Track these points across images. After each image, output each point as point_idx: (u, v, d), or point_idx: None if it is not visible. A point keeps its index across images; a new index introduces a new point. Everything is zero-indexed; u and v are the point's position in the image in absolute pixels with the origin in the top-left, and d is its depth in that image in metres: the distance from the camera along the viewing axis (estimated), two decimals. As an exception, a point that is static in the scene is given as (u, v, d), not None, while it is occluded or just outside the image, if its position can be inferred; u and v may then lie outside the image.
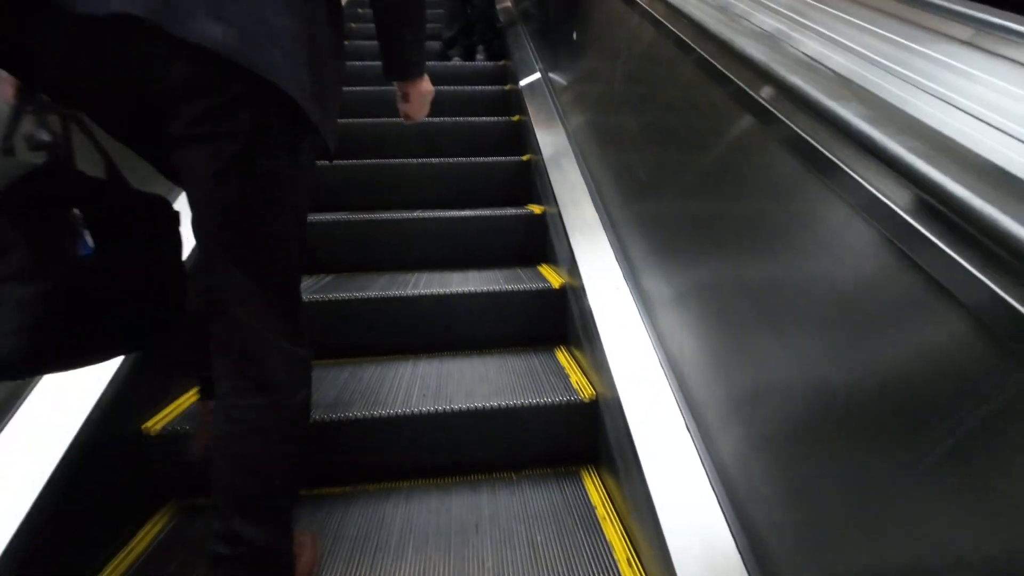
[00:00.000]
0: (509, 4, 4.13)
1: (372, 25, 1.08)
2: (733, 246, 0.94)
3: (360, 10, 4.16)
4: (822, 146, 0.70)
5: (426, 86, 1.14)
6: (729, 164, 0.97)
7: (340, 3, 0.89)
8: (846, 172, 0.66)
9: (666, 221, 1.25)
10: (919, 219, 0.56)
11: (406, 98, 1.16)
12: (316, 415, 1.29)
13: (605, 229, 1.60)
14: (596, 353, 1.32)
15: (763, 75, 0.83)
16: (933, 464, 0.54)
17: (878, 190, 0.62)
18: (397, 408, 1.33)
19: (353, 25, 3.86)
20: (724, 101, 0.98)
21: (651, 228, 1.34)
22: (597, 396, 1.34)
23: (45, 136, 0.82)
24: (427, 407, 1.33)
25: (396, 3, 0.98)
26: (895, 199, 0.59)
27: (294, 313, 0.89)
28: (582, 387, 1.41)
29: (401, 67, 1.09)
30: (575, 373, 1.50)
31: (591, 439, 1.36)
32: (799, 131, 0.75)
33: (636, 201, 1.46)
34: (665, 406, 1.08)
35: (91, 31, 0.71)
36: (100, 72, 0.75)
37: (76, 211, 0.82)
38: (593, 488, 1.31)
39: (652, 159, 1.36)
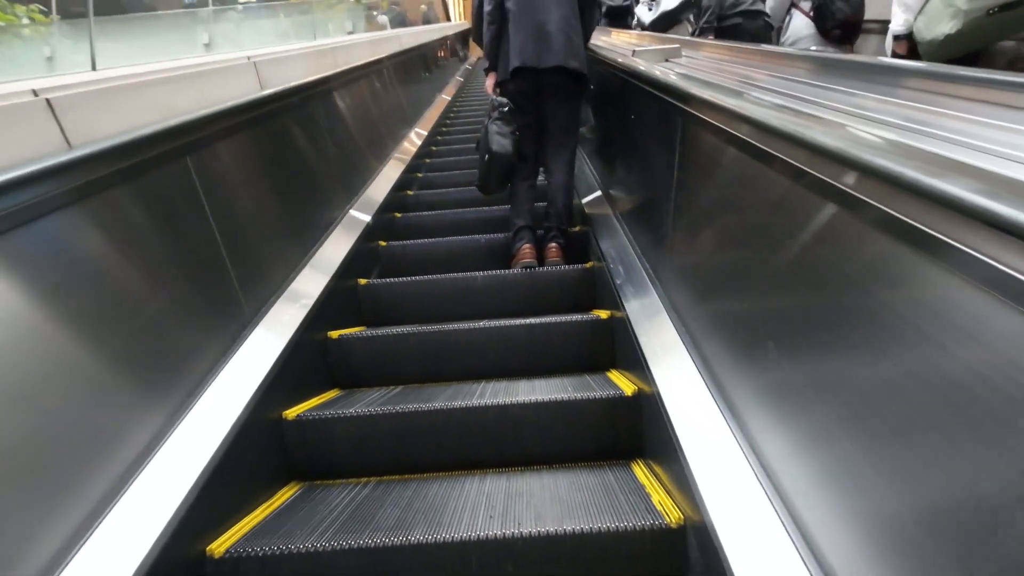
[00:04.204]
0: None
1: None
2: (854, 346, 0.84)
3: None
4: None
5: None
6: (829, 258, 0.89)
7: (585, 44, 2.66)
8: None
9: (758, 323, 1.16)
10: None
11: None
12: (375, 540, 1.21)
13: (677, 330, 1.51)
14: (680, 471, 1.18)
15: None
16: None
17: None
18: (461, 532, 1.22)
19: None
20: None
21: (736, 328, 1.25)
22: (685, 521, 1.18)
23: (505, 101, 2.56)
24: (493, 531, 1.21)
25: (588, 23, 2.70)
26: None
27: (575, 145, 2.73)
28: (667, 509, 1.25)
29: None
30: (657, 492, 1.35)
31: (680, 571, 1.18)
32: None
33: (713, 299, 1.39)
34: (769, 529, 0.92)
35: (538, 69, 2.48)
36: (539, 81, 2.52)
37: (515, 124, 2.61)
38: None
39: (729, 259, 1.31)
